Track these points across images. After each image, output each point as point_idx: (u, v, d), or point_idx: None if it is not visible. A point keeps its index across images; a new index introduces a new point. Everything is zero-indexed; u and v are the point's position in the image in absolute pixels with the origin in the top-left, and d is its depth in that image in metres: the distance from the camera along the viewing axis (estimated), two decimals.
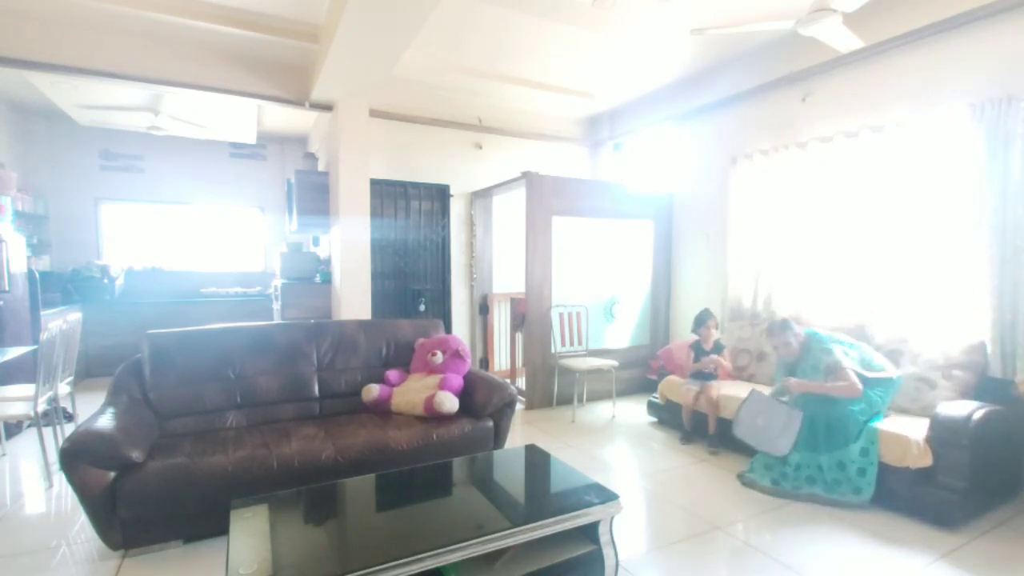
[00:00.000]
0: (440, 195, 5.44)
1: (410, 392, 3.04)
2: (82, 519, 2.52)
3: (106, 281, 5.89)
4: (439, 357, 3.18)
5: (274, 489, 2.15)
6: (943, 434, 2.55)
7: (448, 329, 5.30)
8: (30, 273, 4.32)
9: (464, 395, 3.09)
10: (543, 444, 2.75)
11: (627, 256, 5.21)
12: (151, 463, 2.25)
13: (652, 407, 4.29)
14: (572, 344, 4.77)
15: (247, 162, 7.02)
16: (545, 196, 4.66)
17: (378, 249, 5.00)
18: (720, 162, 4.68)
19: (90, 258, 6.06)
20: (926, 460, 2.57)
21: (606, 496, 1.95)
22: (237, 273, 6.93)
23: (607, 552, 1.95)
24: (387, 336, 3.42)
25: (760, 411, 3.18)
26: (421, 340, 3.39)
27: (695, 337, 3.95)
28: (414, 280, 5.32)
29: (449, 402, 2.91)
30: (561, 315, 4.74)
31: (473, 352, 5.61)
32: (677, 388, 3.93)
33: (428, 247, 5.40)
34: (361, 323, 3.46)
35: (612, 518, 1.96)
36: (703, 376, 3.78)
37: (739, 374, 4.07)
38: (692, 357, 3.88)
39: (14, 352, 3.34)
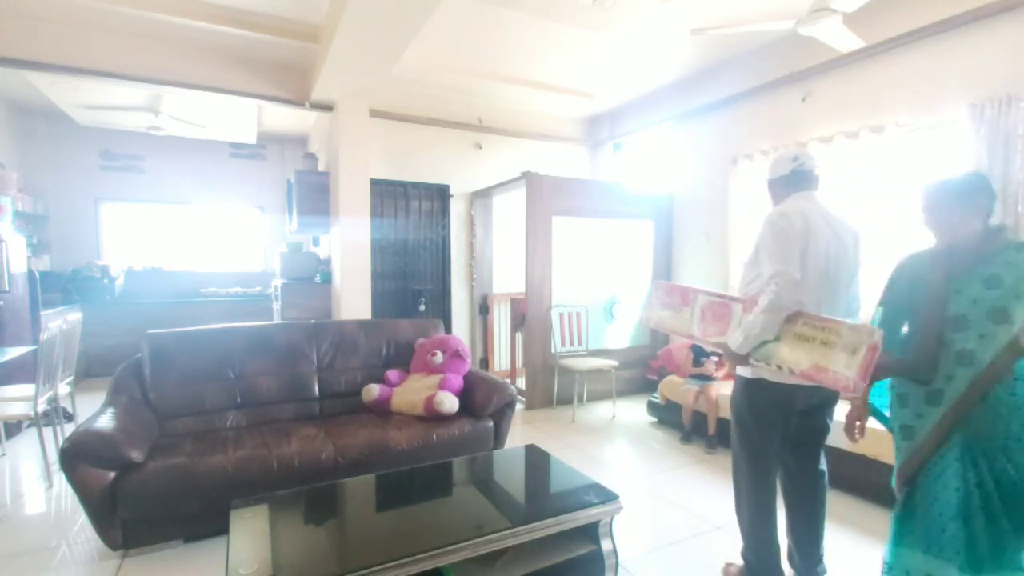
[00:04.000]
0: (440, 195, 5.44)
1: (410, 392, 3.04)
2: (82, 519, 2.52)
3: (106, 281, 5.88)
4: (439, 357, 3.18)
5: (274, 489, 2.14)
6: None
7: (448, 329, 5.29)
8: (30, 273, 4.31)
9: (464, 395, 3.09)
10: (543, 444, 2.75)
11: (627, 256, 5.20)
12: (151, 463, 2.25)
13: (652, 407, 4.29)
14: (572, 344, 4.76)
15: (247, 162, 7.02)
16: (545, 196, 4.66)
17: (378, 249, 5.00)
18: (720, 162, 4.68)
19: (90, 258, 6.05)
20: None
21: (606, 496, 1.95)
22: (237, 273, 6.92)
23: (607, 552, 1.95)
24: (387, 336, 3.42)
25: None
26: (421, 340, 3.39)
27: None
28: (414, 280, 5.32)
29: (449, 402, 2.91)
30: (561, 315, 4.74)
31: (473, 352, 5.61)
32: (677, 388, 3.93)
33: (428, 247, 5.40)
34: (361, 323, 3.46)
35: (612, 518, 1.96)
36: (703, 376, 3.78)
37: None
38: (691, 358, 3.88)
39: (14, 352, 3.34)
